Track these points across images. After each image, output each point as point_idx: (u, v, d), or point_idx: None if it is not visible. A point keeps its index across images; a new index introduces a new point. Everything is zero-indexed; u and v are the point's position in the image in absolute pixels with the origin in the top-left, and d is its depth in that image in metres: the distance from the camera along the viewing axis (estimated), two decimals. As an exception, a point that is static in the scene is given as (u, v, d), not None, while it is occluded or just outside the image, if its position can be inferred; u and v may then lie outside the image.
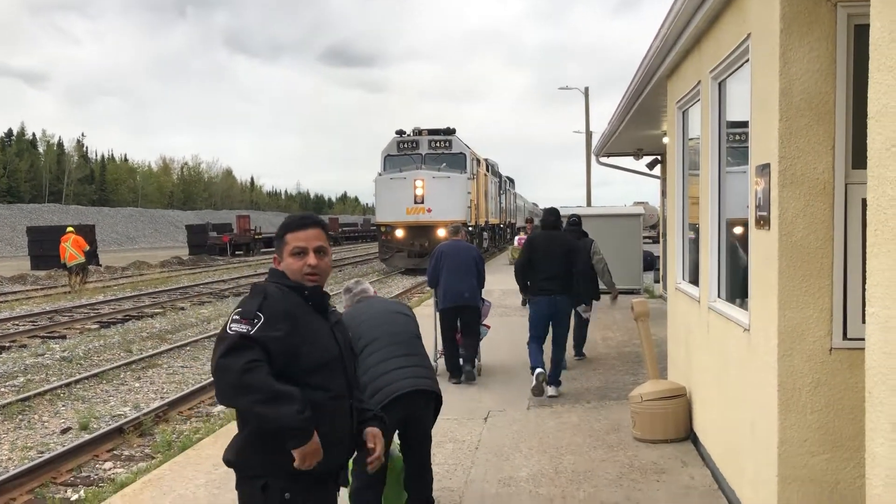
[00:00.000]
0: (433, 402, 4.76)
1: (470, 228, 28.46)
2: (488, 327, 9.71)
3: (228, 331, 2.81)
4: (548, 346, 8.39)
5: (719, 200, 5.48)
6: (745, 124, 4.67)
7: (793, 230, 3.85)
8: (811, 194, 3.83)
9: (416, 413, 4.62)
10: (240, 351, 2.74)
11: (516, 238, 16.61)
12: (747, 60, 4.51)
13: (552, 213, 8.79)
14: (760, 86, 4.19)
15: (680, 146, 7.10)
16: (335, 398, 2.99)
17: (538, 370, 8.16)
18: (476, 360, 9.26)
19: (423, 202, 28.49)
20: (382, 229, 29.73)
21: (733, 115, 5.28)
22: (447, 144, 29.90)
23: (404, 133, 30.43)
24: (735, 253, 5.21)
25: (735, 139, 5.32)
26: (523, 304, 14.80)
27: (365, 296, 5.03)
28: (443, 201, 28.06)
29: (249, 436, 2.91)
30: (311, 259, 3.04)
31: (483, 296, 9.37)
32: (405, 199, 28.60)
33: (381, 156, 30.42)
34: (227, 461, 3.01)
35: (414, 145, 30.04)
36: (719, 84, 5.40)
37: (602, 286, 10.45)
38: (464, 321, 9.06)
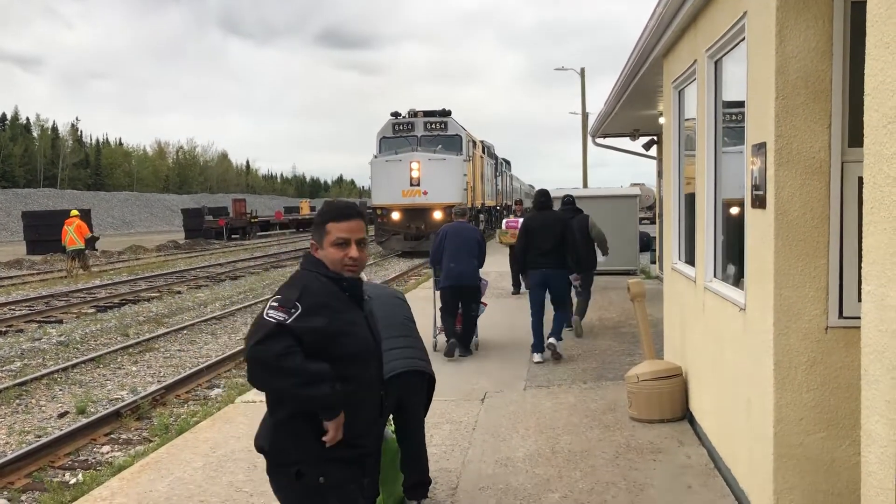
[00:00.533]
0: (426, 382, 4.79)
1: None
2: (485, 305, 10.14)
3: (265, 317, 2.82)
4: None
5: (715, 180, 5.46)
6: (740, 104, 4.65)
7: (789, 209, 3.84)
8: (807, 173, 3.81)
9: (409, 394, 4.65)
10: (276, 338, 2.78)
11: (504, 221, 16.35)
12: (743, 39, 4.48)
13: (543, 195, 9.45)
14: (756, 64, 4.17)
15: (676, 126, 7.07)
16: (368, 388, 3.04)
17: (539, 352, 8.99)
18: (474, 337, 9.68)
19: (419, 184, 28.37)
20: (378, 212, 29.62)
21: (729, 94, 5.26)
22: (443, 126, 29.73)
23: (400, 115, 30.25)
24: (731, 233, 5.20)
25: (731, 119, 5.30)
26: (513, 293, 15.00)
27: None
28: (439, 183, 27.93)
29: (280, 423, 2.94)
30: (354, 251, 3.02)
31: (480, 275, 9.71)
32: (401, 182, 28.48)
33: (377, 138, 30.25)
34: (260, 448, 3.03)
35: (409, 127, 29.85)
36: (715, 63, 5.37)
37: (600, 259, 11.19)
38: (463, 300, 9.44)
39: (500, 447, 5.98)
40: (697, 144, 5.83)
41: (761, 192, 4.05)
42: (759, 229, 4.13)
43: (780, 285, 3.87)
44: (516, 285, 15.00)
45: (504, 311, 12.87)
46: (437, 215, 27.89)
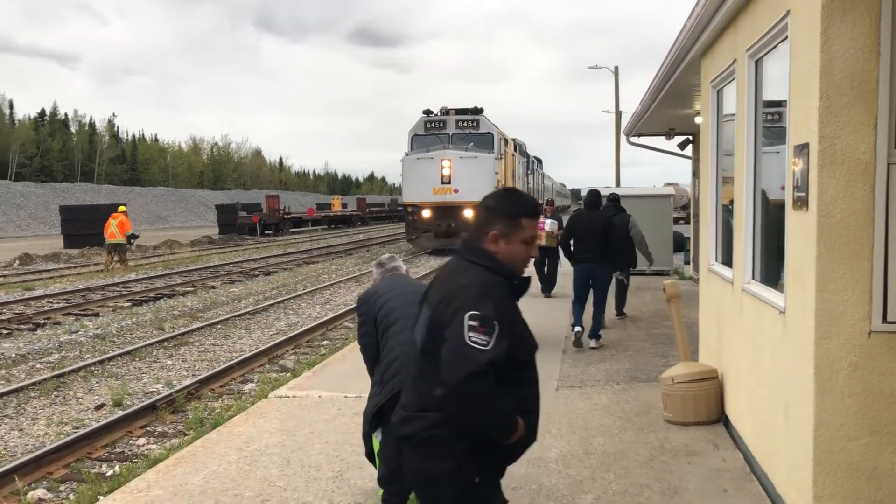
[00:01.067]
0: None
1: None
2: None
3: (470, 343, 2.57)
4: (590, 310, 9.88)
5: (754, 181, 5.39)
6: (779, 104, 4.58)
7: (832, 211, 3.77)
8: (852, 174, 3.75)
9: None
10: (482, 377, 2.56)
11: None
12: (786, 38, 4.42)
13: (593, 195, 10.39)
14: (799, 64, 4.10)
15: (714, 126, 6.99)
16: (534, 389, 2.94)
17: (577, 328, 9.79)
18: None
19: (450, 182, 28.31)
20: (409, 209, 29.64)
21: (770, 94, 5.19)
22: (475, 124, 29.60)
23: (431, 113, 30.20)
24: (770, 234, 5.13)
25: (770, 119, 5.23)
26: (544, 291, 14.90)
27: (397, 272, 5.05)
28: (470, 181, 27.72)
29: (453, 425, 2.73)
30: (535, 250, 2.89)
31: None
32: (432, 179, 28.46)
33: (408, 135, 30.25)
34: (413, 436, 2.83)
35: (441, 125, 29.79)
36: (756, 62, 5.30)
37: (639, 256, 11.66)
38: None
39: (531, 447, 5.95)
40: (737, 144, 5.76)
41: (803, 194, 3.98)
42: (801, 231, 4.06)
43: (821, 288, 3.81)
44: (544, 288, 14.99)
45: (535, 311, 12.84)
46: (468, 213, 27.67)
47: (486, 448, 2.79)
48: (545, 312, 12.53)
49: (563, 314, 12.44)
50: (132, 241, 26.55)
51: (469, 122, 29.68)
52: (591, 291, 9.85)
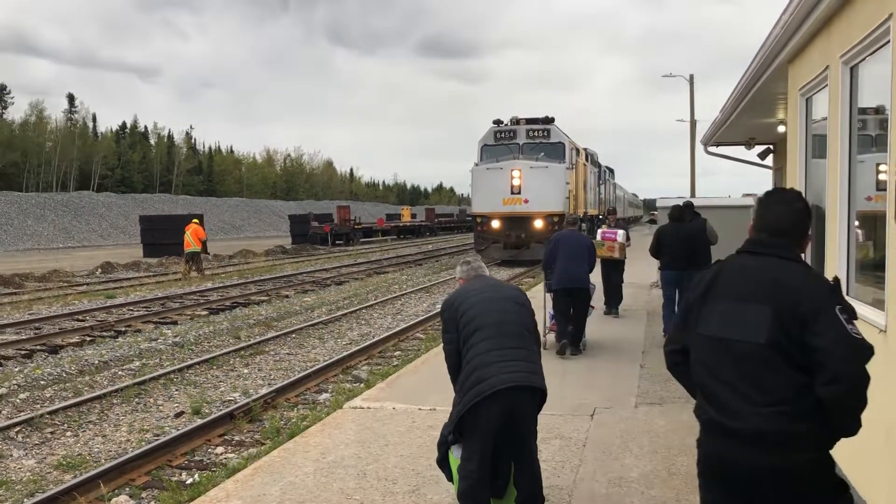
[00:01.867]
0: (538, 397, 4.65)
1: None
2: (594, 307, 10.93)
3: (854, 335, 2.67)
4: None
5: (849, 192, 5.16)
6: (875, 111, 4.37)
7: (939, 225, 3.56)
8: (961, 186, 3.53)
9: (518, 408, 4.51)
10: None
11: (598, 231, 14.17)
12: (887, 42, 4.21)
13: (677, 209, 11.03)
14: (903, 69, 3.90)
15: (803, 134, 6.74)
16: None
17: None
18: (582, 337, 10.34)
19: (519, 192, 27.76)
20: (478, 220, 29.42)
21: (863, 101, 4.96)
22: (545, 134, 29.05)
23: (502, 122, 29.72)
24: (868, 248, 4.90)
25: (863, 126, 5.00)
26: (605, 312, 13.46)
27: (481, 272, 4.98)
28: (540, 192, 27.32)
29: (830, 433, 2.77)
30: None
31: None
32: (502, 190, 27.97)
33: (478, 145, 29.83)
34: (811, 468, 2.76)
35: (511, 135, 29.28)
36: (851, 69, 5.08)
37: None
38: (575, 302, 10.07)
39: (612, 466, 5.81)
40: (829, 153, 5.53)
41: (907, 207, 3.78)
42: (905, 246, 3.85)
43: (928, 306, 3.59)
44: (610, 304, 13.65)
45: (610, 325, 12.63)
46: (538, 224, 27.44)
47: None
48: (617, 326, 12.32)
49: (635, 328, 12.20)
50: (205, 246, 27.23)
51: (540, 132, 29.16)
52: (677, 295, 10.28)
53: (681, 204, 11.12)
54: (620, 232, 13.56)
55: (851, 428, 2.72)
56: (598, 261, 11.99)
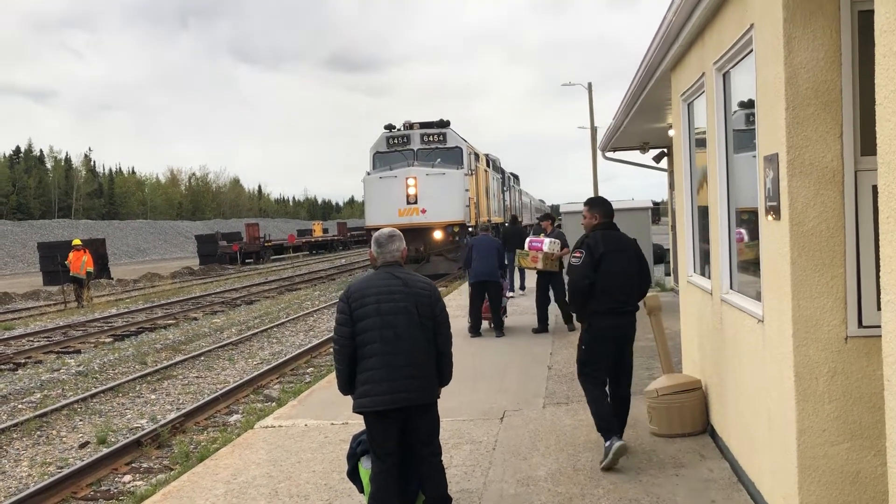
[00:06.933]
0: (429, 408, 4.65)
1: (470, 229, 25.93)
2: (507, 297, 13.38)
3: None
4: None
5: (728, 192, 5.45)
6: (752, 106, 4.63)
7: (804, 219, 3.83)
8: (821, 183, 3.81)
9: (409, 423, 4.57)
10: None
11: (527, 241, 12.97)
12: (751, 51, 4.50)
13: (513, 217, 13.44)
14: (765, 76, 4.17)
15: (686, 139, 7.07)
16: None
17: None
18: (502, 323, 12.51)
19: (416, 202, 25.61)
20: (373, 234, 28.20)
21: (738, 106, 5.26)
22: (441, 138, 27.04)
23: (394, 128, 27.54)
24: (745, 243, 5.19)
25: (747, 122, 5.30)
26: (535, 330, 12.42)
27: (391, 259, 4.79)
28: (438, 200, 25.40)
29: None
30: None
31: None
32: (397, 200, 25.68)
33: (370, 153, 27.56)
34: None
35: (405, 140, 27.11)
36: (723, 75, 5.39)
37: None
38: (489, 291, 12.26)
39: (521, 466, 5.96)
40: (708, 156, 5.83)
41: (775, 203, 4.04)
42: (775, 240, 4.12)
43: (797, 296, 3.85)
44: (543, 321, 12.40)
45: (523, 330, 12.87)
46: (437, 235, 25.65)
47: None
48: (527, 329, 12.58)
49: (541, 337, 12.45)
50: (103, 270, 26.15)
51: (435, 136, 27.12)
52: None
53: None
54: (548, 240, 12.25)
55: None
56: (535, 273, 12.37)
